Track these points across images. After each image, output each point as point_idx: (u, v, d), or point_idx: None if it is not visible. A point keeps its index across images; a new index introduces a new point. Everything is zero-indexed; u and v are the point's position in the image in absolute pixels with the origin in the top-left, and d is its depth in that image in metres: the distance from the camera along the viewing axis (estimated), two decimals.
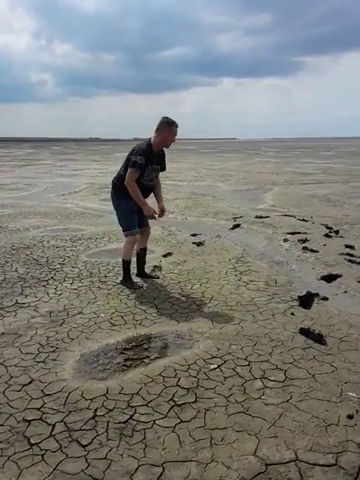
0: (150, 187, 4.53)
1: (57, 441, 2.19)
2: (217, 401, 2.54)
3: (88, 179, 15.91)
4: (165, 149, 4.45)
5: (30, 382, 2.71)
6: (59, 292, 4.32)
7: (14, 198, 11.06)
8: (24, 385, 2.68)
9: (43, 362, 2.96)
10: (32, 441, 2.19)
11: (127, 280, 4.54)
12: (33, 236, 6.71)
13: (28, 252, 5.75)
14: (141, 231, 4.61)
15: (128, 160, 4.28)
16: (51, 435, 2.23)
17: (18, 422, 2.33)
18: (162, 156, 4.48)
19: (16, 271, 4.96)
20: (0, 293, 4.27)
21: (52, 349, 3.15)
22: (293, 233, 6.91)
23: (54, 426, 2.30)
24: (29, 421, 2.34)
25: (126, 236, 4.50)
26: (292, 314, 3.77)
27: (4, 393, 2.59)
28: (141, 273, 4.83)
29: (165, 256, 5.68)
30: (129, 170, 4.20)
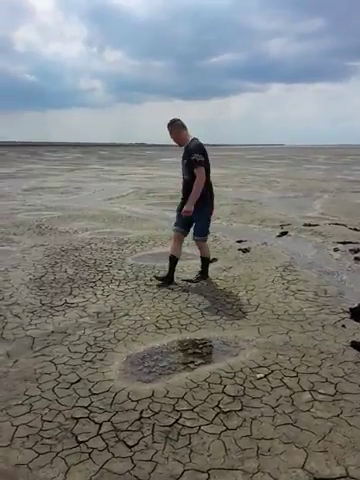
0: (184, 181, 4.73)
1: (104, 440, 2.22)
2: (264, 411, 2.48)
3: (134, 184, 16.18)
4: (188, 145, 4.59)
5: (78, 380, 2.77)
6: (106, 293, 4.40)
7: (64, 201, 11.41)
8: (72, 383, 2.74)
9: (91, 361, 3.02)
10: (80, 439, 2.23)
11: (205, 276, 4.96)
12: (81, 238, 6.89)
13: (77, 254, 5.91)
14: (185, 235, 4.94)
15: (189, 161, 4.47)
16: (98, 434, 2.26)
17: (66, 419, 2.39)
18: (186, 150, 4.60)
19: (65, 272, 5.10)
20: (50, 293, 4.41)
21: (99, 349, 3.21)
22: (344, 242, 6.69)
23: (101, 425, 2.33)
24: (77, 419, 2.39)
25: (205, 241, 4.89)
26: (343, 326, 3.63)
27: (53, 390, 2.66)
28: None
29: (211, 262, 5.65)
30: (199, 168, 4.44)
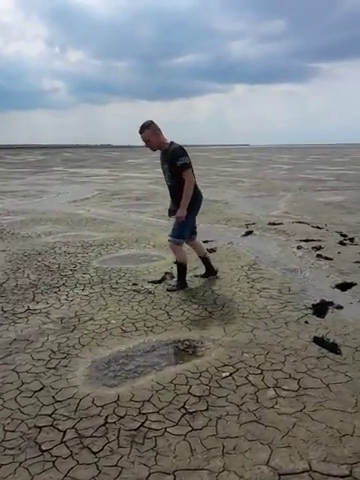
0: (169, 188, 4.61)
1: (68, 448, 2.18)
2: (229, 409, 2.51)
3: (99, 186, 16.01)
4: (167, 150, 4.36)
5: (41, 388, 2.71)
6: (70, 298, 4.33)
7: (26, 205, 11.15)
8: (35, 391, 2.68)
9: (54, 368, 2.96)
10: (43, 447, 2.18)
11: (183, 284, 4.69)
12: (45, 242, 6.75)
13: (40, 258, 5.79)
14: (191, 239, 4.87)
15: (174, 167, 4.27)
16: (62, 442, 2.22)
17: (29, 428, 2.33)
18: (167, 155, 4.37)
19: (28, 277, 4.99)
20: (12, 299, 4.30)
21: (63, 355, 3.15)
22: (307, 240, 6.85)
23: (65, 433, 2.29)
24: (40, 427, 2.34)
25: (178, 244, 4.59)
26: (306, 322, 3.72)
27: (16, 399, 2.60)
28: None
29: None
30: (188, 170, 4.30)
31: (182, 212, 4.36)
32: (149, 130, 4.22)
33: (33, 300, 4.28)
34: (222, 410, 2.50)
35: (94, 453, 2.14)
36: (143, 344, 3.35)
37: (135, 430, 2.32)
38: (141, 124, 4.22)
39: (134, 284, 4.78)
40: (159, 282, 4.85)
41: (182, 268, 4.68)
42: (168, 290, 4.55)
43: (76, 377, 2.85)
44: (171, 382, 2.78)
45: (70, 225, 8.31)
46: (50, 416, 2.43)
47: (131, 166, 30.86)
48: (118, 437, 2.26)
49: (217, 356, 3.13)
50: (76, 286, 4.70)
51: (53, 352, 3.20)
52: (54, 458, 2.11)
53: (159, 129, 4.28)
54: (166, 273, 5.15)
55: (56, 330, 3.59)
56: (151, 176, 20.71)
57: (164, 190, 14.18)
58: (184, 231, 4.54)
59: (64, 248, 6.36)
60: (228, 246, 6.58)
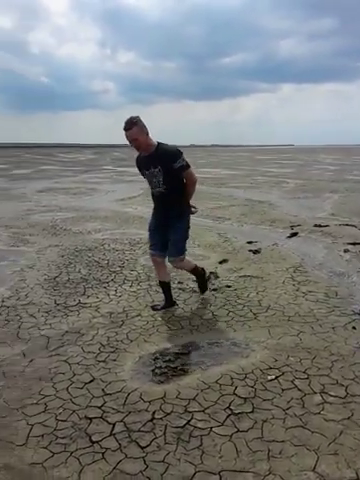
0: (157, 196, 3.91)
1: (117, 440, 2.27)
2: (275, 413, 2.50)
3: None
4: (157, 150, 3.70)
5: (92, 380, 2.83)
6: (119, 294, 4.46)
7: (77, 202, 11.52)
8: (86, 383, 2.79)
9: (104, 362, 3.07)
10: (93, 439, 2.28)
11: (205, 287, 4.45)
12: (94, 239, 6.96)
13: (90, 254, 5.98)
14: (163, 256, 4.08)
15: (171, 169, 3.66)
16: (111, 434, 2.31)
17: (80, 419, 2.44)
18: (156, 156, 3.69)
19: (79, 272, 5.18)
20: (64, 293, 4.48)
21: (112, 349, 3.26)
22: (354, 244, 6.65)
23: (114, 425, 2.38)
24: (91, 419, 2.44)
25: (183, 260, 4.03)
26: (353, 328, 3.63)
27: (68, 390, 2.72)
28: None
29: (221, 263, 5.68)
30: (190, 170, 3.78)
31: (191, 207, 4.02)
32: (137, 127, 3.49)
33: (84, 294, 4.45)
34: (268, 413, 2.50)
35: (142, 448, 2.21)
36: (188, 342, 3.39)
37: (181, 427, 2.37)
38: (126, 120, 3.47)
39: (179, 282, 4.84)
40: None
41: (200, 273, 4.36)
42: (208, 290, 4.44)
43: (124, 371, 2.95)
44: (216, 382, 2.81)
45: (118, 223, 8.51)
46: (100, 408, 2.53)
47: None
48: (165, 433, 2.32)
49: (262, 358, 3.13)
50: (124, 282, 4.83)
51: (102, 346, 3.32)
52: (103, 450, 2.20)
53: (146, 127, 3.58)
54: (211, 273, 5.18)
55: (105, 324, 3.71)
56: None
57: (207, 189, 14.25)
58: (184, 244, 3.99)
59: (113, 245, 6.53)
60: (273, 248, 6.51)
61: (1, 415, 2.48)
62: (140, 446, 2.23)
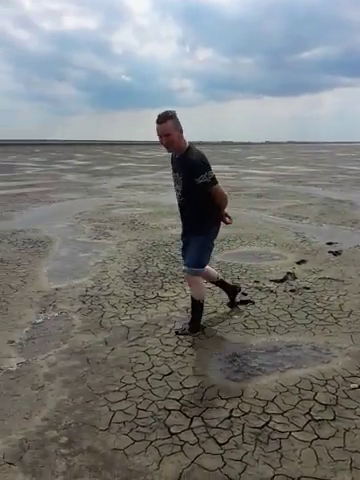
0: (180, 205, 3.51)
1: (195, 435, 2.29)
2: (358, 423, 2.39)
3: (221, 182, 16.11)
4: (185, 155, 3.23)
5: (170, 373, 2.88)
6: None
7: (154, 198, 11.79)
8: (165, 375, 2.86)
9: (182, 355, 3.12)
10: (172, 430, 2.32)
11: (198, 326, 3.60)
12: (171, 234, 7.08)
13: (167, 249, 6.10)
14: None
15: (192, 182, 3.18)
16: (190, 428, 2.34)
17: (159, 410, 2.50)
18: (181, 162, 3.27)
19: (157, 266, 5.30)
20: (143, 285, 4.62)
21: (189, 344, 3.30)
22: None
23: (192, 420, 2.41)
24: (169, 410, 2.49)
25: (195, 275, 3.46)
26: None
27: (147, 380, 2.80)
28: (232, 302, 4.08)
29: (299, 263, 5.52)
30: (217, 186, 3.27)
31: (226, 216, 3.54)
32: (172, 121, 3.08)
33: (161, 288, 4.55)
34: (350, 422, 2.39)
35: (219, 444, 2.22)
36: (266, 343, 3.34)
37: (259, 428, 2.34)
38: (161, 113, 3.09)
39: (256, 281, 4.77)
40: (281, 281, 4.77)
41: (200, 306, 3.60)
42: (177, 333, 3.50)
43: (201, 367, 2.97)
44: (295, 385, 2.74)
45: None
46: (178, 401, 2.57)
47: (251, 163, 30.60)
48: (243, 432, 2.31)
49: (344, 365, 2.99)
50: None
51: (180, 339, 3.37)
52: (182, 443, 2.24)
53: (181, 124, 3.16)
54: (288, 273, 5.05)
55: (182, 318, 3.76)
56: (272, 173, 20.33)
57: (284, 187, 13.89)
58: (204, 256, 3.47)
59: None
60: (355, 250, 6.19)
61: (85, 399, 2.61)
62: (218, 443, 2.23)
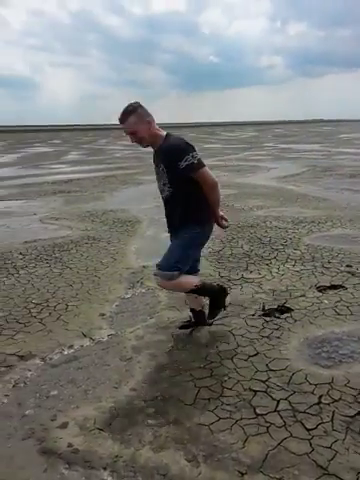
0: (164, 202, 2.99)
1: (281, 418, 2.22)
2: None
3: (310, 161, 15.45)
4: (162, 144, 2.81)
5: (256, 354, 2.82)
6: (281, 272, 4.36)
7: (240, 179, 11.60)
8: (250, 356, 2.81)
9: (267, 338, 3.04)
10: (258, 411, 2.28)
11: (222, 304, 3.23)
12: (256, 216, 6.93)
13: (252, 231, 5.98)
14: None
15: (176, 169, 2.70)
16: (276, 410, 2.28)
17: (244, 390, 2.46)
18: (161, 152, 2.82)
19: (241, 248, 5.22)
20: (228, 266, 4.58)
21: (276, 327, 3.21)
22: None
23: (278, 402, 2.34)
24: (255, 391, 2.44)
25: (170, 279, 2.78)
26: None
27: (232, 359, 2.77)
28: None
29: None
30: (204, 169, 2.74)
31: (219, 213, 2.94)
32: (134, 117, 2.69)
33: (246, 269, 4.47)
34: None
35: (308, 430, 2.13)
36: (358, 330, 3.14)
37: (351, 417, 2.21)
38: (123, 109, 2.71)
39: (348, 265, 4.50)
40: None
41: (202, 288, 3.02)
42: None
43: (288, 350, 2.87)
44: None
45: (280, 201, 8.30)
46: (264, 383, 2.51)
47: (343, 141, 28.79)
48: (332, 420, 2.19)
49: None
50: (287, 261, 4.70)
51: (266, 321, 3.29)
52: (268, 424, 2.18)
53: (150, 115, 2.76)
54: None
55: (268, 301, 3.67)
56: None
57: None
58: (184, 261, 2.83)
59: (275, 222, 6.41)
60: None
61: (171, 374, 2.65)
62: (306, 428, 2.14)
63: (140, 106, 2.73)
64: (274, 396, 2.39)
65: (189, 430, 2.17)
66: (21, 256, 5.17)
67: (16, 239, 5.99)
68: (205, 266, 4.57)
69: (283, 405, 2.32)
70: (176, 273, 2.76)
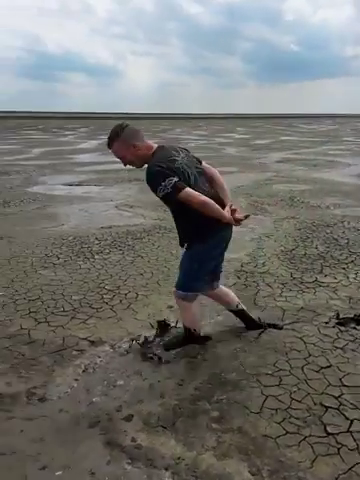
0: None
1: (355, 440, 2.07)
2: None
3: None
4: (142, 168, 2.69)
5: (328, 366, 2.65)
6: (359, 279, 4.08)
7: (316, 174, 11.10)
8: (322, 368, 2.64)
9: (342, 349, 2.85)
10: (329, 430, 2.13)
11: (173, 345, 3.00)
12: (333, 215, 6.58)
13: (328, 231, 5.67)
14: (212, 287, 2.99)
15: (155, 193, 2.52)
16: (349, 431, 2.12)
17: (315, 404, 2.32)
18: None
19: (316, 248, 4.97)
20: (300, 267, 4.37)
21: (351, 338, 3.00)
22: None
23: (352, 422, 2.18)
24: (326, 407, 2.29)
25: (184, 300, 2.80)
26: None
27: (302, 369, 2.63)
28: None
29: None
30: (184, 192, 2.43)
31: (225, 214, 2.57)
32: (119, 143, 2.56)
33: (321, 272, 4.24)
34: None
35: None
36: None
37: None
38: (109, 134, 2.59)
39: None
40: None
41: (189, 334, 2.96)
42: (164, 345, 3.01)
43: None
44: None
45: None
46: (336, 399, 2.35)
47: None
48: None
49: None
50: None
51: (340, 331, 3.09)
52: (339, 445, 2.03)
53: (137, 135, 2.58)
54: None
55: (343, 308, 3.45)
56: None
57: None
58: (192, 278, 2.76)
59: (353, 223, 6.03)
60: None
61: (237, 377, 2.57)
62: None
63: (122, 129, 2.55)
64: (347, 415, 2.23)
65: (254, 441, 2.09)
66: (97, 241, 5.33)
67: (93, 224, 6.20)
68: (276, 265, 4.42)
69: (357, 426, 2.15)
70: (190, 294, 2.77)
